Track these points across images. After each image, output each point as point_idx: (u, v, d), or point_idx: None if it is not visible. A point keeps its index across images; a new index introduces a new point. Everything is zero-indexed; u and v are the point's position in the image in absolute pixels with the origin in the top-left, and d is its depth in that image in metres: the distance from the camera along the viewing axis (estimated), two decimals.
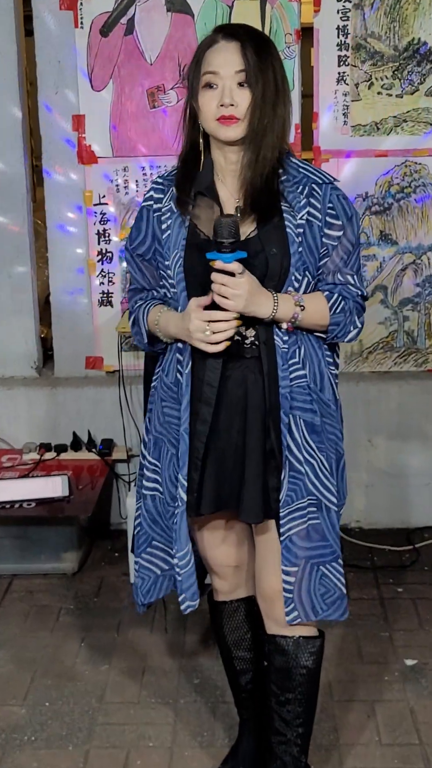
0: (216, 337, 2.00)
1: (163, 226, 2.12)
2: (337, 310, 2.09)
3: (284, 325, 2.04)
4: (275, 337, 2.05)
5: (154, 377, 2.25)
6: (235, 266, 1.94)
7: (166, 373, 2.19)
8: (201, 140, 2.09)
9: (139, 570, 2.32)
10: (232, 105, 1.98)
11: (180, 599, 2.20)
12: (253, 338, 2.08)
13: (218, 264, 1.95)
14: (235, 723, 2.56)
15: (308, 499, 2.11)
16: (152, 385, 2.26)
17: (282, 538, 2.11)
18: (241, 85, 1.99)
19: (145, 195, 2.18)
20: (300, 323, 2.05)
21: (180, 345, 2.12)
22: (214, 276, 1.96)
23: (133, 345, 3.72)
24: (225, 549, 2.31)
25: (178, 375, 2.13)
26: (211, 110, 2.01)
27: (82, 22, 3.51)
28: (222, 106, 1.99)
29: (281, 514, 2.10)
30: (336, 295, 2.09)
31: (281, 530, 2.11)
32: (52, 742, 2.63)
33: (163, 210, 2.13)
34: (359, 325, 2.14)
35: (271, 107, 2.00)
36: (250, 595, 2.38)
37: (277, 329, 2.05)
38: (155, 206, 2.14)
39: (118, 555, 3.66)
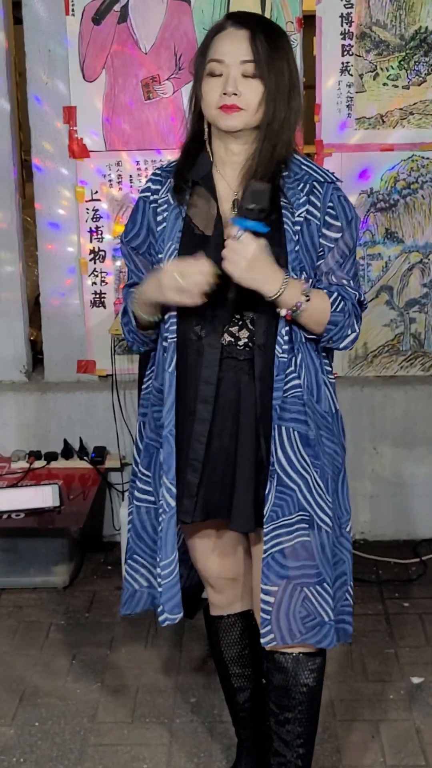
0: (188, 283, 2.00)
1: (159, 218, 2.14)
2: (337, 309, 2.09)
3: (283, 312, 2.04)
4: (276, 346, 2.07)
5: (145, 380, 2.27)
6: (234, 230, 1.96)
7: (155, 376, 2.21)
8: (205, 128, 2.11)
9: (124, 580, 2.35)
10: (235, 94, 2.00)
11: (158, 611, 2.21)
12: (246, 339, 2.11)
13: (228, 230, 1.99)
14: (233, 743, 2.59)
15: (299, 515, 2.11)
16: (143, 388, 2.28)
17: (264, 555, 2.11)
18: (246, 75, 2.01)
19: (143, 186, 2.21)
20: (300, 315, 2.04)
21: (165, 343, 2.14)
22: (225, 237, 2.00)
23: (126, 348, 3.75)
24: (217, 559, 2.33)
25: (164, 376, 2.15)
26: (214, 98, 2.03)
27: (73, 10, 3.54)
28: (225, 94, 2.01)
29: (265, 530, 2.11)
30: (336, 294, 2.10)
31: (264, 546, 2.11)
32: (42, 764, 2.65)
33: (159, 202, 2.15)
34: (357, 330, 2.15)
35: (285, 101, 2.03)
36: (247, 610, 2.41)
37: (278, 338, 2.06)
38: (152, 197, 2.17)
39: (110, 568, 3.69)
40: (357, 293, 2.15)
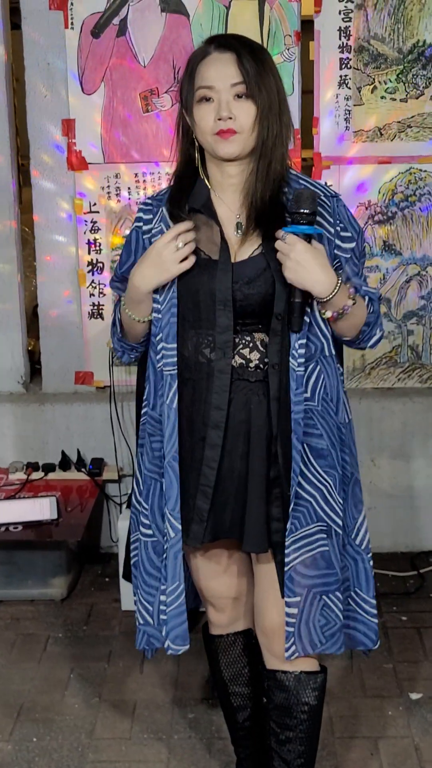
0: (186, 249, 2.03)
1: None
2: (370, 311, 2.13)
3: (328, 314, 2.04)
4: (291, 360, 2.06)
5: (142, 412, 2.24)
6: (280, 233, 1.98)
7: (152, 405, 2.19)
8: (197, 155, 2.11)
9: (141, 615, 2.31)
10: (230, 118, 2.00)
11: (165, 645, 2.21)
12: (257, 361, 2.10)
13: (277, 233, 2.00)
14: (232, 760, 2.57)
15: (317, 525, 2.12)
16: (141, 421, 2.25)
17: (287, 569, 2.11)
18: (239, 96, 2.00)
19: (135, 216, 2.20)
20: (344, 318, 2.06)
21: (164, 372, 2.12)
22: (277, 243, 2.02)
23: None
24: (225, 580, 2.31)
25: (163, 407, 2.13)
26: (208, 125, 2.02)
27: (72, 23, 3.52)
28: (220, 120, 2.00)
29: (287, 543, 2.10)
30: (366, 296, 2.13)
31: (286, 560, 2.11)
32: None
33: (153, 231, 2.14)
34: (383, 329, 2.19)
35: (277, 117, 2.03)
36: (247, 628, 2.40)
37: (293, 352, 2.05)
38: (144, 228, 2.16)
39: (108, 580, 3.67)
40: (376, 291, 2.18)
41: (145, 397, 2.22)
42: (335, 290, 2.00)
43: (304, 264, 1.97)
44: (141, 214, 2.17)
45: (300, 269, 1.97)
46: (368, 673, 3.07)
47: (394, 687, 3.00)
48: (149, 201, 2.18)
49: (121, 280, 2.22)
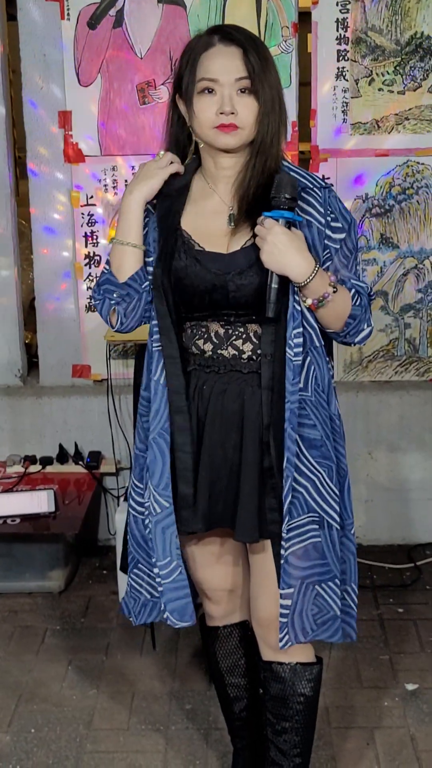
0: (167, 156, 2.09)
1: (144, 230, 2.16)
2: (356, 303, 2.12)
3: (309, 301, 2.05)
4: (287, 348, 2.08)
5: (141, 398, 2.27)
6: (260, 219, 2.00)
7: (144, 386, 2.22)
8: (192, 146, 2.13)
9: (130, 590, 2.36)
10: (233, 113, 2.01)
11: (164, 617, 2.25)
12: (250, 353, 2.12)
13: (260, 218, 2.02)
14: (229, 751, 2.60)
15: (309, 516, 2.14)
16: (139, 407, 2.28)
17: (282, 560, 2.14)
18: (242, 91, 2.02)
19: None
20: (325, 306, 2.06)
21: (154, 349, 2.15)
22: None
23: (122, 353, 3.77)
24: (219, 569, 2.34)
25: (151, 386, 2.17)
26: (209, 118, 2.03)
27: (68, 14, 3.54)
28: (222, 114, 2.02)
29: (286, 533, 2.13)
30: (352, 289, 2.13)
31: (282, 551, 2.13)
32: None
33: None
34: (372, 324, 2.18)
35: (277, 114, 2.05)
36: (243, 620, 2.42)
37: (289, 341, 2.07)
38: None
39: (106, 573, 3.70)
40: (367, 286, 2.18)
41: (143, 378, 2.25)
42: (312, 274, 2.01)
43: (280, 246, 1.98)
44: None
45: (276, 251, 1.98)
46: (364, 664, 3.10)
47: (390, 678, 3.04)
48: None
49: None
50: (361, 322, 2.15)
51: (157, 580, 2.23)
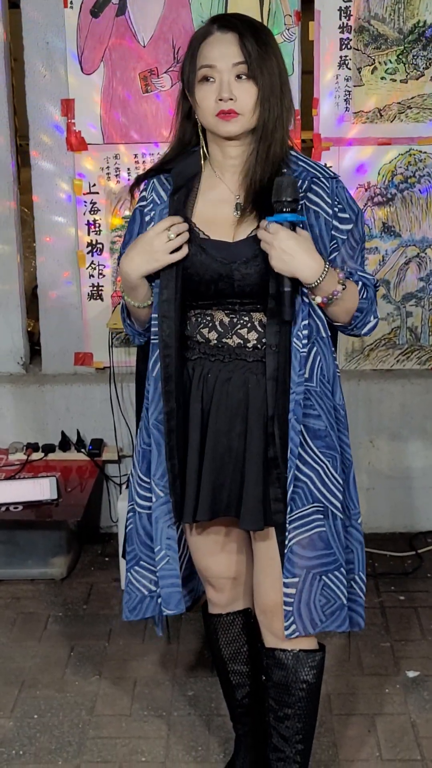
0: (181, 239, 2.06)
1: (147, 218, 2.16)
2: (363, 296, 2.13)
3: (318, 299, 2.05)
4: (294, 339, 2.07)
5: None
6: (263, 223, 1.98)
7: (146, 380, 2.24)
8: (201, 135, 2.12)
9: (128, 585, 2.37)
10: (231, 99, 2.01)
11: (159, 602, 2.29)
12: (255, 342, 2.12)
13: (261, 223, 2.00)
14: (231, 737, 2.61)
15: (314, 506, 2.14)
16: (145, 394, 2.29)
17: (285, 549, 2.14)
18: (239, 77, 2.01)
19: (139, 196, 2.22)
20: (334, 303, 2.06)
21: (152, 341, 2.16)
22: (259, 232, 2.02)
23: (124, 340, 3.77)
24: (223, 557, 2.34)
25: (150, 378, 2.18)
26: (210, 105, 2.03)
27: (71, 2, 3.52)
28: (221, 100, 2.01)
29: (290, 523, 2.13)
30: (360, 282, 2.13)
31: (286, 540, 2.14)
32: (41, 756, 2.68)
33: (147, 203, 2.17)
34: (378, 316, 2.19)
35: (278, 99, 2.04)
36: (246, 607, 2.43)
37: (297, 333, 2.07)
38: (141, 204, 2.19)
39: (108, 560, 3.71)
40: (373, 278, 2.18)
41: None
42: (323, 275, 2.01)
43: (289, 251, 1.97)
44: (144, 194, 2.19)
45: (285, 257, 1.98)
46: (366, 651, 3.11)
47: (392, 665, 3.04)
48: (142, 176, 2.21)
49: None
50: (368, 315, 2.15)
51: (157, 567, 2.25)
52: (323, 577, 2.17)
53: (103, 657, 3.12)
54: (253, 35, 2.02)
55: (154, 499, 2.19)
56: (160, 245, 2.05)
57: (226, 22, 2.05)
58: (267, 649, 2.28)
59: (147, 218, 2.16)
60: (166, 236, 2.04)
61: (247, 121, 2.04)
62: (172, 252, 2.06)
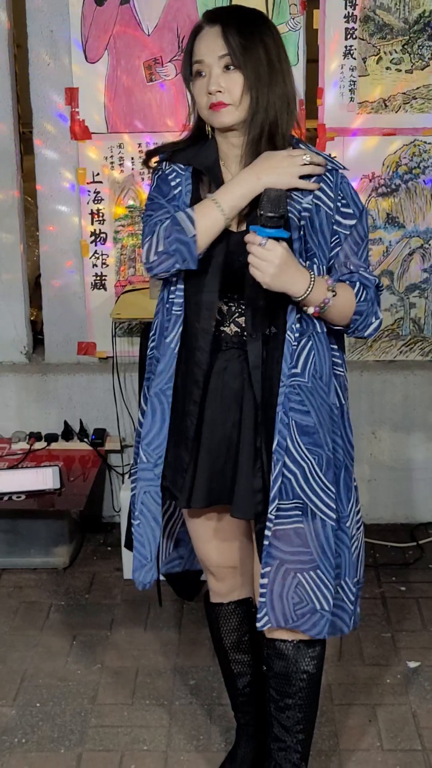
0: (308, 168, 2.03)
1: (173, 184, 2.15)
2: (361, 299, 2.10)
3: (311, 310, 2.05)
4: (288, 332, 2.07)
5: (149, 353, 2.28)
6: (257, 239, 1.96)
7: (157, 346, 2.22)
8: (207, 127, 2.14)
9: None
10: (220, 91, 2.03)
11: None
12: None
13: (248, 237, 1.98)
14: (232, 726, 2.62)
15: (293, 503, 2.13)
16: (147, 362, 2.28)
17: (265, 540, 2.13)
18: (227, 68, 2.02)
19: (155, 173, 2.21)
20: (328, 310, 2.06)
21: (170, 314, 2.15)
22: (248, 245, 1.99)
23: (127, 330, 3.76)
24: (219, 545, 2.35)
25: (163, 344, 2.17)
26: (203, 100, 2.07)
27: None
28: (210, 93, 2.04)
29: (271, 514, 2.12)
30: (358, 284, 2.11)
31: (266, 531, 2.12)
32: (43, 744, 2.69)
33: (169, 171, 2.16)
34: (380, 316, 2.16)
35: (266, 87, 2.03)
36: (247, 597, 2.44)
37: (291, 325, 2.07)
38: (163, 171, 2.18)
39: (110, 549, 3.72)
40: (375, 278, 2.16)
41: (151, 335, 2.25)
42: (310, 285, 2.00)
43: (284, 268, 1.97)
44: (161, 165, 2.19)
45: (282, 274, 1.97)
46: (367, 641, 3.12)
47: (393, 655, 3.05)
48: (152, 151, 2.21)
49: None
50: (368, 317, 2.13)
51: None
52: (298, 574, 2.15)
53: (105, 646, 3.13)
54: (237, 26, 2.03)
55: (139, 462, 2.19)
56: (291, 166, 2.02)
57: (212, 15, 2.08)
58: (267, 640, 2.28)
59: (173, 184, 2.15)
60: (301, 160, 2.02)
61: (238, 111, 2.05)
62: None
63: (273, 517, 2.12)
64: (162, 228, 2.06)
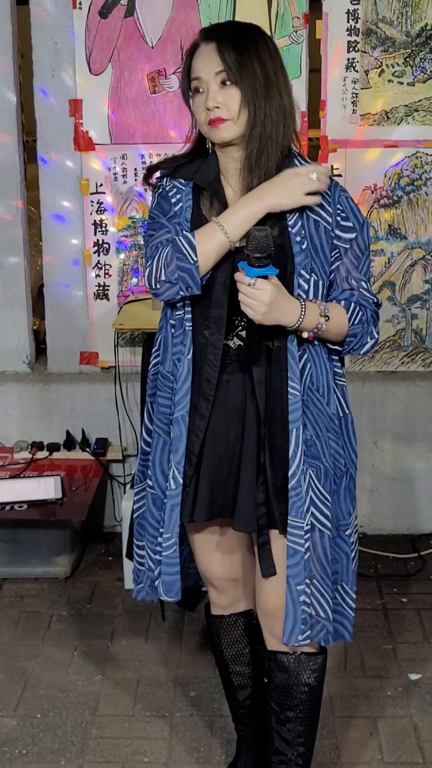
0: (322, 183, 2.03)
1: (173, 200, 2.15)
2: (356, 321, 2.11)
3: (305, 334, 2.06)
4: (289, 344, 2.07)
5: (151, 368, 2.27)
6: (247, 280, 1.96)
7: (162, 360, 2.22)
8: (208, 142, 2.14)
9: (140, 565, 2.36)
10: (217, 107, 2.04)
11: (156, 583, 2.26)
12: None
13: (237, 276, 1.99)
14: (233, 738, 2.61)
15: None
16: (150, 377, 2.27)
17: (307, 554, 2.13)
18: (224, 84, 2.03)
19: (156, 190, 2.21)
20: (321, 334, 2.07)
21: (180, 329, 2.14)
22: (238, 284, 1.99)
23: (129, 340, 3.76)
24: (221, 558, 2.34)
25: (177, 362, 2.16)
26: (202, 115, 2.08)
27: (80, 3, 3.51)
28: (208, 110, 2.04)
29: (293, 526, 2.11)
30: (353, 305, 2.11)
31: (295, 544, 2.12)
32: (44, 756, 2.67)
33: (170, 188, 2.16)
34: (375, 336, 2.16)
35: (263, 100, 2.04)
36: (249, 609, 2.43)
37: (291, 337, 2.07)
38: (163, 188, 2.18)
39: (112, 559, 3.71)
40: (374, 297, 2.16)
41: (155, 350, 2.24)
42: (301, 315, 2.02)
43: (275, 305, 1.98)
44: (161, 182, 2.18)
45: (272, 311, 1.98)
46: (368, 653, 3.11)
47: (394, 667, 3.04)
48: (153, 167, 2.21)
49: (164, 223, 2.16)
50: (363, 337, 2.14)
51: (158, 549, 2.24)
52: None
53: (106, 657, 3.12)
54: (232, 42, 2.03)
55: (173, 486, 2.16)
56: (302, 185, 2.02)
57: (208, 32, 2.09)
58: (269, 652, 2.28)
59: (173, 200, 2.15)
60: (307, 178, 2.03)
61: (236, 126, 2.05)
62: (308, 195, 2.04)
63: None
64: (163, 255, 2.07)
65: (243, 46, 2.03)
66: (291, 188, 2.03)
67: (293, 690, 2.25)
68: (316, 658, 2.25)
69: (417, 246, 3.72)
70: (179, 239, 2.06)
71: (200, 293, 2.08)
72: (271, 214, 2.06)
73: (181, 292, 2.08)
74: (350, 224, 2.11)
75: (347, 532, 2.22)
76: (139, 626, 3.26)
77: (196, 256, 2.04)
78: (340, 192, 2.12)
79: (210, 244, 2.05)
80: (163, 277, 2.07)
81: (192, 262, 2.04)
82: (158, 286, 2.09)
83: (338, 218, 2.09)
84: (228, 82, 2.02)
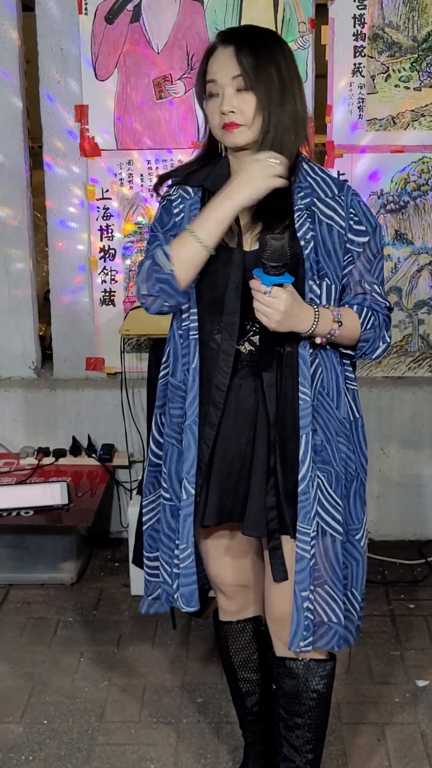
0: (280, 167, 1.99)
1: (175, 211, 2.15)
2: (368, 326, 2.11)
3: (318, 340, 2.06)
4: (300, 350, 2.07)
5: (161, 379, 2.27)
6: (263, 288, 1.96)
7: (172, 371, 2.21)
8: (220, 145, 2.14)
9: (151, 577, 2.36)
10: (232, 112, 2.03)
11: (175, 598, 2.24)
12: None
13: (253, 283, 1.99)
14: (240, 744, 2.60)
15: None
16: (160, 386, 2.27)
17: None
18: (240, 90, 2.02)
19: (162, 200, 2.21)
20: (334, 339, 2.07)
21: (187, 340, 2.13)
22: (253, 291, 1.99)
23: (136, 346, 3.76)
24: (230, 563, 2.34)
25: (186, 373, 2.15)
26: (216, 120, 2.07)
27: (86, 8, 3.53)
28: (223, 114, 2.03)
29: (300, 531, 2.11)
30: (366, 310, 2.11)
31: (302, 550, 2.12)
32: (50, 762, 2.67)
33: (174, 197, 2.17)
34: (388, 340, 2.16)
35: (278, 106, 2.03)
36: (257, 615, 2.42)
37: (303, 342, 2.07)
38: (168, 198, 2.18)
39: (118, 565, 3.70)
40: (386, 302, 2.16)
41: (164, 361, 2.24)
42: (315, 322, 2.02)
43: (290, 312, 1.98)
44: (170, 191, 2.18)
45: (287, 318, 1.98)
46: (376, 660, 3.10)
47: (402, 674, 3.03)
48: (165, 176, 2.21)
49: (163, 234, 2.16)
50: (376, 341, 2.14)
51: (175, 561, 2.22)
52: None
53: (112, 663, 3.12)
54: (250, 47, 2.03)
55: (185, 496, 2.16)
56: (262, 170, 1.99)
57: (225, 36, 2.08)
58: (277, 659, 2.27)
59: (176, 211, 2.15)
60: (267, 162, 2.00)
61: (250, 131, 2.05)
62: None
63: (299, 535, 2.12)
64: (144, 269, 2.07)
65: (261, 52, 2.02)
66: (255, 179, 2.00)
67: (302, 696, 2.24)
68: (325, 665, 2.24)
69: (423, 251, 3.72)
70: (157, 251, 2.05)
71: (187, 303, 2.08)
72: (279, 219, 2.06)
73: (166, 304, 2.07)
74: (363, 228, 2.11)
75: (357, 537, 2.21)
76: (146, 632, 3.26)
77: (172, 265, 2.03)
78: (353, 195, 2.11)
79: (185, 252, 2.03)
80: (144, 291, 2.07)
81: (168, 272, 2.03)
82: (143, 301, 2.10)
83: (351, 222, 2.09)
84: (244, 88, 2.01)
